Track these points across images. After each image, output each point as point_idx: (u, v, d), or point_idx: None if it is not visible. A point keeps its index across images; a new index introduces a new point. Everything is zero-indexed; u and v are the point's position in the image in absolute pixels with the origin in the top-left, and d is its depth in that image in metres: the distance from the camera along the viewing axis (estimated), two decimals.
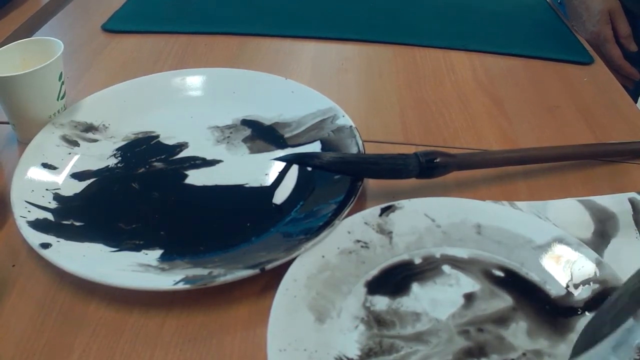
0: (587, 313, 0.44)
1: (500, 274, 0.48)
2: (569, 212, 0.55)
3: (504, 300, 0.45)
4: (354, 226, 0.50)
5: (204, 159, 0.60)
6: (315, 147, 0.61)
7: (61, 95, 0.61)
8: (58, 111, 0.61)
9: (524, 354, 0.42)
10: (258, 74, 0.70)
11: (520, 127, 0.67)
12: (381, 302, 0.45)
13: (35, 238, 0.47)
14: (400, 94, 0.73)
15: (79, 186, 0.56)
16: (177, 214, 0.53)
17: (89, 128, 0.62)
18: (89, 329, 0.44)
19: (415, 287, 0.47)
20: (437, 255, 0.49)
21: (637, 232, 0.53)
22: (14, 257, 0.49)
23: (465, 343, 0.42)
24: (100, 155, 0.60)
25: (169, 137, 0.62)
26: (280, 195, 0.55)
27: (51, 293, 0.46)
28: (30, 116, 0.60)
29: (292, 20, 0.88)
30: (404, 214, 0.51)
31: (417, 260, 0.49)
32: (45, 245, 0.47)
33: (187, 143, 0.61)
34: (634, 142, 0.63)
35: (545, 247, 0.49)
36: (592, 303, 0.44)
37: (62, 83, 0.61)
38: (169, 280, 0.44)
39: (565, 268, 0.47)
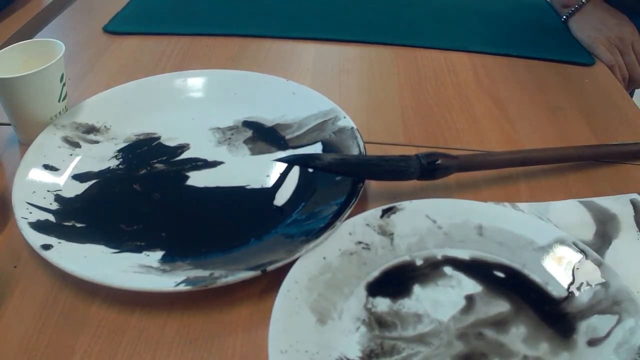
0: (588, 315, 0.44)
1: (502, 275, 0.48)
2: (571, 213, 0.54)
3: (505, 302, 0.45)
4: (355, 227, 0.50)
5: (205, 161, 0.60)
6: (316, 148, 0.60)
7: (62, 96, 0.61)
8: (59, 112, 0.61)
9: (525, 357, 0.42)
10: (259, 75, 0.70)
11: (521, 129, 0.67)
12: (382, 304, 0.45)
13: (36, 239, 0.47)
14: (402, 95, 0.73)
15: (80, 187, 0.56)
16: (178, 215, 0.53)
17: (91, 129, 0.62)
18: (90, 330, 0.44)
19: (416, 288, 0.47)
20: (439, 257, 0.49)
21: (639, 233, 0.53)
22: (15, 259, 0.49)
23: (466, 345, 0.42)
24: (101, 156, 0.60)
25: (170, 139, 0.62)
26: (282, 197, 0.55)
27: (53, 294, 0.46)
28: (32, 117, 0.60)
29: (293, 22, 0.88)
30: (406, 215, 0.51)
31: (419, 262, 0.49)
32: (47, 247, 0.47)
33: (188, 144, 0.61)
34: (636, 143, 0.63)
35: (546, 249, 0.48)
36: (594, 305, 0.44)
37: (64, 84, 0.61)
38: (171, 281, 0.44)
39: (567, 269, 0.47)
